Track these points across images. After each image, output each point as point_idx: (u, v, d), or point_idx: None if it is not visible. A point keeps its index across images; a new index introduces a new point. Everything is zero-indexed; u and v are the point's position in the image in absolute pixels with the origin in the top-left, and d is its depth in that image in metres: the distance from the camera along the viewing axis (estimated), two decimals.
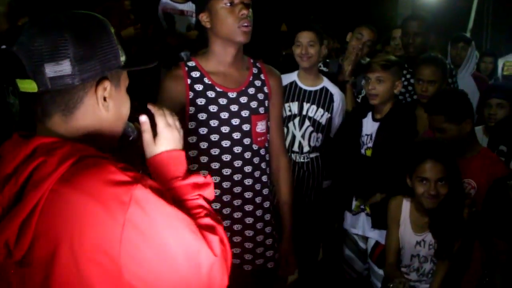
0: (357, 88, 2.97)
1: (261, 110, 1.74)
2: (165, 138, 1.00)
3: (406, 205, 2.10)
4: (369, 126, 2.44)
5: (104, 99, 0.91)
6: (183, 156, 1.01)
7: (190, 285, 0.83)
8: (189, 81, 1.65)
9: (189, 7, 3.34)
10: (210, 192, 0.99)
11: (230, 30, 1.59)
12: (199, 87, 1.65)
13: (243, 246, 1.74)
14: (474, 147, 2.17)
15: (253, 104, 1.71)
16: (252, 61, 1.79)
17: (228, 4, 1.57)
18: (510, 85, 3.45)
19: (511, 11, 5.87)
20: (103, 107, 0.91)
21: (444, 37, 5.27)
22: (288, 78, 2.65)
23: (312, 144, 2.61)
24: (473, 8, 5.44)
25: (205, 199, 0.97)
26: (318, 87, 2.63)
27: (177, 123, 1.04)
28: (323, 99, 2.61)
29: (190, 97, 1.64)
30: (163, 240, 0.81)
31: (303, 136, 2.60)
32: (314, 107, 2.60)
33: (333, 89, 2.64)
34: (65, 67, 0.84)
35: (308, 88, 2.62)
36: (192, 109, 1.64)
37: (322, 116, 2.61)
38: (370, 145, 2.42)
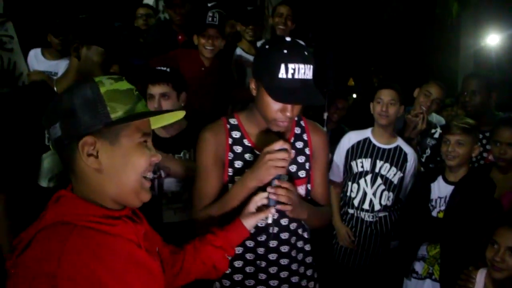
0: (422, 147, 2.93)
1: (301, 173, 1.62)
2: None
3: (481, 276, 1.98)
4: (442, 189, 2.40)
5: (96, 155, 0.99)
6: None
7: None
8: (230, 141, 1.58)
9: None
10: None
11: (267, 116, 1.49)
12: (238, 148, 1.58)
13: None
14: None
15: (292, 168, 1.61)
16: (296, 119, 1.67)
17: None
18: None
19: None
20: (90, 162, 0.99)
21: (508, 90, 5.14)
22: (361, 134, 2.66)
23: (383, 202, 2.57)
24: None
25: None
26: (392, 146, 2.61)
27: None
28: (396, 157, 2.58)
29: (230, 158, 1.57)
30: None
31: (374, 194, 2.57)
32: (387, 165, 2.57)
33: (407, 149, 2.62)
34: (57, 131, 1.00)
35: (382, 146, 2.61)
36: (230, 171, 1.57)
37: (394, 175, 2.57)
38: (442, 208, 2.37)
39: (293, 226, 1.63)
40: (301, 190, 1.62)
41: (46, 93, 1.77)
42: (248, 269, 1.61)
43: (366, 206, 2.58)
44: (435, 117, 3.31)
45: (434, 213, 2.39)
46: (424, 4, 6.86)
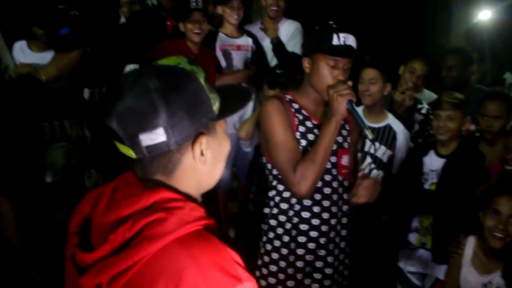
0: (410, 122, 2.95)
1: (346, 145, 1.85)
2: None
3: (470, 244, 2.04)
4: (434, 162, 2.43)
5: (202, 153, 0.90)
6: None
7: None
8: (292, 109, 1.78)
9: (245, 41, 3.31)
10: None
11: (323, 88, 1.71)
12: (299, 116, 1.79)
13: (321, 271, 1.83)
14: None
15: (339, 139, 1.82)
16: None
17: (331, 65, 1.68)
18: None
19: None
20: (201, 162, 0.90)
21: (500, 64, 5.13)
22: None
23: None
24: None
25: None
26: (381, 124, 2.63)
27: None
28: (385, 136, 2.60)
29: (296, 123, 1.78)
30: None
31: None
32: (376, 144, 2.59)
33: (397, 127, 2.63)
34: (159, 136, 0.83)
35: (371, 125, 2.60)
36: (297, 134, 1.77)
37: (384, 153, 2.60)
38: (434, 180, 2.41)
39: (339, 214, 1.83)
40: (346, 159, 1.83)
41: (36, 86, 1.74)
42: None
43: None
44: (427, 93, 3.31)
45: (426, 186, 2.44)
46: None
